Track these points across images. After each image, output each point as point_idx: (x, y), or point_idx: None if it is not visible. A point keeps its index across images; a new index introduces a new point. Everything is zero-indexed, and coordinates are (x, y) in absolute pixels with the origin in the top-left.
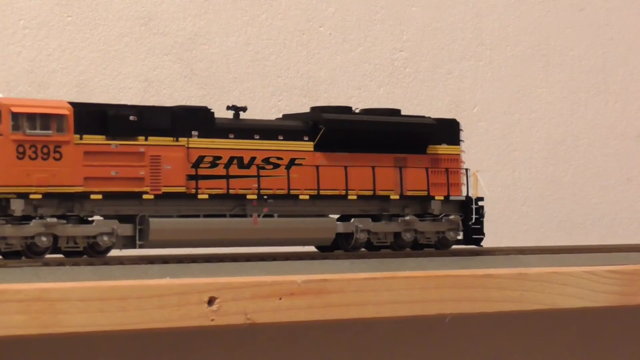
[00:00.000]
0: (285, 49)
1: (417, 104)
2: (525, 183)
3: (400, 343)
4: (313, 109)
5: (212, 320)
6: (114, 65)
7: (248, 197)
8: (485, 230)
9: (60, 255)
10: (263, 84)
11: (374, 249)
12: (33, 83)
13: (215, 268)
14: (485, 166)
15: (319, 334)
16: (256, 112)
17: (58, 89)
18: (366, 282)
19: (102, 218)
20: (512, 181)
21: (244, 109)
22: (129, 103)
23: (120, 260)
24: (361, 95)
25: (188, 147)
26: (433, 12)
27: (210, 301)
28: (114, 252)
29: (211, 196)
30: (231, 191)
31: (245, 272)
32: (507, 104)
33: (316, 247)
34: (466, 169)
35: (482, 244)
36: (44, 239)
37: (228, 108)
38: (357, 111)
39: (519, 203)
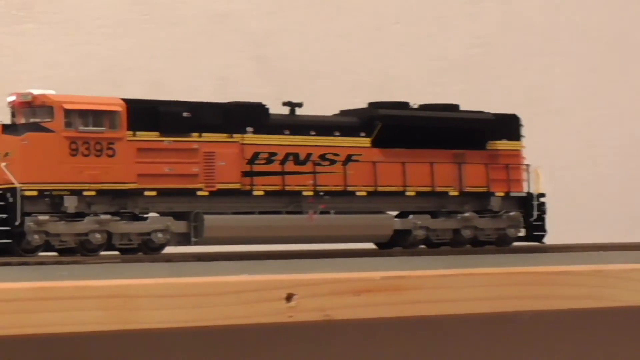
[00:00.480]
0: (360, 46)
1: (492, 100)
2: (604, 179)
3: (477, 340)
4: (370, 104)
5: (290, 316)
6: (189, 63)
7: (304, 193)
8: (563, 227)
9: (116, 252)
10: (338, 80)
11: (432, 246)
12: (109, 81)
13: (292, 264)
14: (564, 162)
15: (396, 330)
16: (331, 109)
17: (133, 88)
18: (443, 278)
19: (157, 215)
20: (592, 177)
21: (300, 105)
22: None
23: (198, 257)
24: (436, 92)
25: (243, 144)
26: (509, 7)
27: (289, 297)
28: (169, 249)
29: (267, 193)
30: (287, 188)
31: (323, 268)
32: (585, 100)
33: (375, 244)
34: (527, 165)
35: (543, 240)
36: (97, 235)
37: (284, 104)
38: (415, 107)
39: (599, 199)
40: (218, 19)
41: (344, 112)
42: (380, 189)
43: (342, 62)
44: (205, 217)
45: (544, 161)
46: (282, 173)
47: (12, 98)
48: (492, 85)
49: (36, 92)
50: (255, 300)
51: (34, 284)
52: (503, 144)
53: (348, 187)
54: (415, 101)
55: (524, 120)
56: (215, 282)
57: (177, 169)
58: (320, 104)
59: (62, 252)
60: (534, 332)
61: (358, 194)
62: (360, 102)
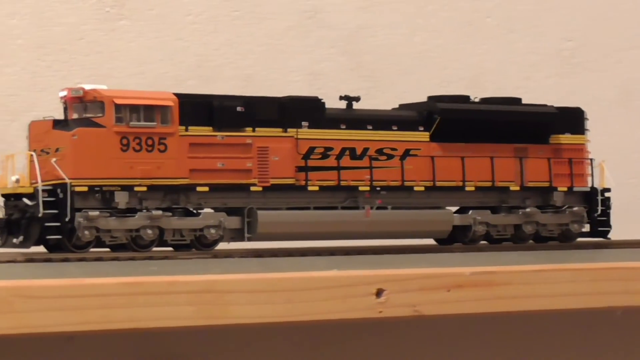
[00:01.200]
0: (451, 40)
1: (584, 93)
2: None
3: (568, 337)
4: (429, 98)
5: (380, 312)
6: (280, 58)
7: (360, 188)
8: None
9: (168, 248)
10: (429, 75)
11: (493, 241)
12: (201, 77)
13: (381, 260)
14: None
15: (486, 326)
16: None
17: (225, 83)
18: (534, 274)
19: (212, 210)
20: None
21: (357, 99)
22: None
23: (288, 252)
24: (529, 86)
25: (297, 138)
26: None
27: (378, 293)
28: (222, 245)
29: (322, 188)
30: (343, 183)
31: (412, 264)
32: None
33: (435, 240)
34: (591, 159)
35: (609, 236)
36: (149, 231)
37: (341, 98)
38: (476, 100)
39: None
40: (309, 14)
41: (403, 106)
42: (438, 183)
43: (433, 57)
44: (259, 212)
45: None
46: (338, 168)
47: (64, 93)
48: (585, 79)
49: (88, 87)
50: (345, 296)
51: (124, 279)
52: (566, 138)
53: (405, 182)
54: (505, 95)
55: (618, 115)
56: (305, 278)
57: (230, 164)
58: (412, 98)
59: (113, 248)
60: (626, 329)
61: (416, 189)
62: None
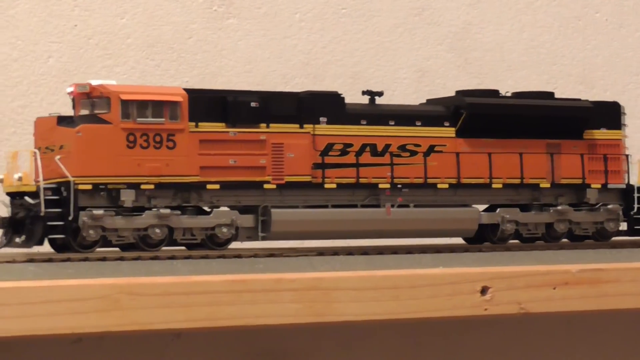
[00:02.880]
0: (560, 36)
1: None
2: None
3: None
4: (457, 92)
5: (486, 309)
6: (388, 56)
7: (380, 186)
8: None
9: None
10: (538, 71)
11: (525, 240)
12: (309, 75)
13: (487, 257)
14: None
15: (592, 324)
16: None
17: (333, 81)
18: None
19: (227, 209)
20: None
21: (380, 94)
22: (403, 93)
23: (393, 250)
24: (638, 82)
25: (314, 134)
26: None
27: (484, 290)
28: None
29: (340, 185)
30: (362, 180)
31: (517, 261)
32: None
33: (463, 239)
34: (627, 155)
35: None
36: (157, 230)
37: (363, 93)
38: (507, 95)
39: None
40: (416, 11)
41: (430, 101)
42: (464, 181)
43: (542, 53)
44: (273, 210)
45: None
46: (357, 165)
47: (71, 89)
48: None
49: (95, 82)
50: (450, 294)
51: (231, 277)
52: (601, 133)
53: (429, 180)
54: (614, 91)
55: None
56: (410, 275)
57: (243, 161)
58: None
59: (123, 247)
60: None
61: (439, 186)
62: (559, 93)
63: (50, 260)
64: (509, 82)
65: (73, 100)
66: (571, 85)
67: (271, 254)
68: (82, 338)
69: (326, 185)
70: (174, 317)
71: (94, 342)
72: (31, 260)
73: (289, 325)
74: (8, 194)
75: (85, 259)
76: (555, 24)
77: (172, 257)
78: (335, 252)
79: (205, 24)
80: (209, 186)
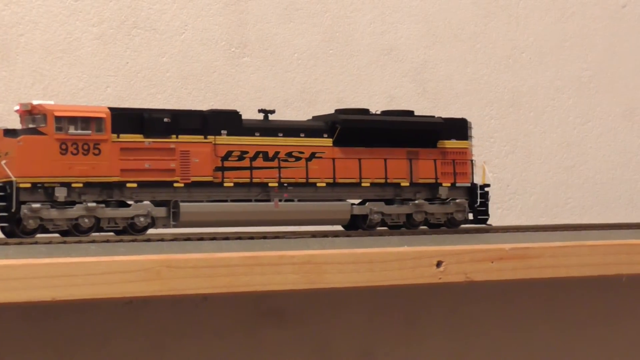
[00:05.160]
0: (495, 71)
1: (596, 111)
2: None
3: (585, 300)
4: (336, 110)
5: (440, 278)
6: (364, 85)
7: (270, 184)
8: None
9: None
10: (478, 97)
11: (390, 227)
12: (305, 100)
13: (440, 239)
14: None
15: (521, 290)
16: (471, 117)
17: (323, 105)
18: (560, 249)
19: (148, 202)
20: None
21: (272, 112)
22: (372, 113)
23: (371, 234)
24: (554, 105)
25: (215, 144)
26: (610, 38)
27: (439, 264)
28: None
29: (237, 184)
30: (255, 180)
31: (463, 242)
32: None
33: (341, 227)
34: (472, 161)
35: (488, 223)
36: (86, 220)
37: (259, 111)
38: (376, 113)
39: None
40: (386, 51)
41: (315, 118)
42: (339, 180)
43: (482, 83)
44: (182, 204)
45: None
46: (251, 168)
47: (17, 107)
48: (597, 100)
49: (35, 102)
50: (413, 266)
51: (245, 254)
52: (451, 143)
53: (310, 180)
54: (537, 112)
55: (623, 127)
56: (382, 252)
57: (156, 164)
58: (462, 115)
59: (61, 234)
60: (630, 293)
61: (318, 184)
62: (495, 113)
63: (107, 241)
64: (456, 105)
65: (20, 116)
66: (504, 107)
67: (276, 236)
68: (132, 301)
69: (225, 184)
70: (202, 284)
71: (141, 304)
72: (93, 241)
73: (289, 291)
74: None
75: (134, 240)
76: (491, 61)
77: (201, 239)
78: (325, 234)
79: (225, 61)
80: (128, 185)
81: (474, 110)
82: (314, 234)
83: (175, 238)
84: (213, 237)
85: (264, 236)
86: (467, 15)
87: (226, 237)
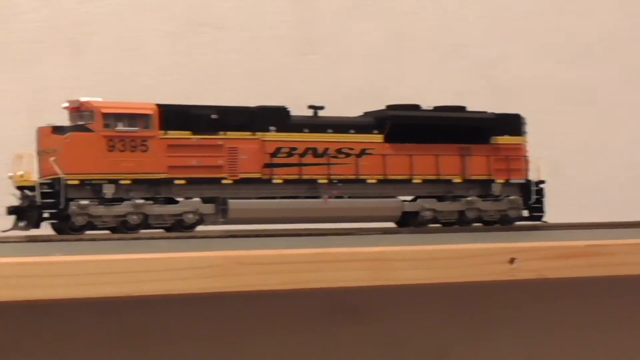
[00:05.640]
0: (566, 66)
1: None
2: None
3: None
4: (387, 106)
5: (512, 275)
6: (435, 81)
7: (319, 181)
8: None
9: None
10: (549, 93)
11: (443, 225)
12: (371, 96)
13: (513, 236)
14: None
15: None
16: (539, 113)
17: (393, 100)
18: (636, 246)
19: (198, 199)
20: None
21: (322, 108)
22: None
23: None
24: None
25: (263, 140)
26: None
27: (512, 261)
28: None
29: (286, 181)
30: (304, 176)
31: (538, 238)
32: None
33: (395, 224)
34: (526, 156)
35: (544, 219)
36: (134, 217)
37: (308, 107)
38: (428, 108)
39: None
40: (455, 47)
41: (366, 114)
42: (389, 177)
43: (551, 79)
44: (230, 201)
45: None
46: (300, 164)
47: (66, 104)
48: None
49: (84, 99)
50: (485, 263)
51: (315, 250)
52: (505, 139)
53: (360, 176)
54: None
55: None
56: (455, 249)
57: (204, 161)
58: (535, 110)
59: (110, 231)
60: None
61: (368, 181)
62: (560, 111)
63: (178, 238)
64: (527, 101)
65: (69, 113)
66: (575, 103)
67: (347, 232)
68: (203, 297)
69: (274, 181)
70: (272, 280)
71: (212, 300)
72: (166, 237)
73: (359, 287)
74: (17, 187)
75: (206, 236)
76: (562, 56)
77: (272, 235)
78: (396, 231)
79: (293, 58)
80: (176, 181)
81: (545, 106)
82: (385, 231)
83: (246, 235)
84: (283, 234)
85: (335, 232)
86: (537, 10)
87: (297, 234)
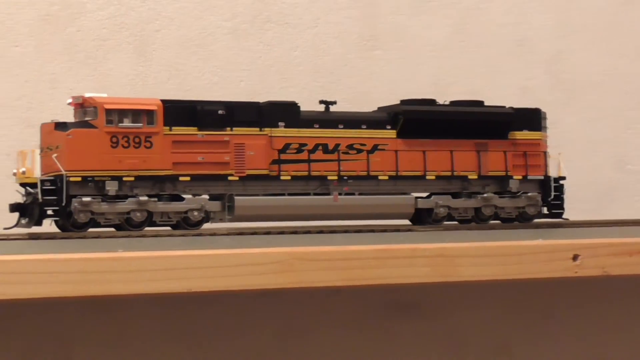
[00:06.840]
0: (631, 60)
1: None
2: None
3: None
4: (401, 101)
5: (576, 272)
6: (497, 76)
7: (329, 177)
8: None
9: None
10: (615, 88)
11: (459, 222)
12: (436, 93)
13: (576, 232)
14: None
15: None
16: (600, 109)
17: (453, 96)
18: None
19: (205, 196)
20: None
21: (334, 103)
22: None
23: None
24: None
25: (271, 136)
26: None
27: (575, 257)
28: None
29: (294, 177)
30: (314, 173)
31: (600, 235)
32: None
33: (409, 221)
34: (545, 152)
35: (564, 216)
36: (138, 214)
37: (320, 102)
38: (444, 103)
39: None
40: (519, 42)
41: (379, 109)
42: (402, 173)
43: (616, 73)
44: (236, 198)
45: None
46: (309, 161)
47: (70, 100)
48: None
49: (87, 95)
50: (548, 260)
51: (378, 247)
52: (523, 134)
53: (371, 172)
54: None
55: None
56: (517, 245)
57: (209, 157)
58: (600, 106)
59: (116, 228)
60: None
61: (380, 177)
62: (626, 106)
63: (240, 234)
64: (592, 96)
65: (74, 109)
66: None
67: (409, 229)
68: (265, 293)
69: (282, 177)
70: (334, 277)
71: (274, 296)
72: (228, 234)
73: (422, 284)
74: (20, 184)
75: (268, 232)
76: (628, 50)
77: (333, 232)
78: (457, 227)
79: (357, 54)
80: (181, 178)
81: (610, 101)
82: (446, 227)
83: (308, 231)
84: (345, 230)
85: (397, 229)
86: (601, 3)
87: (359, 230)
